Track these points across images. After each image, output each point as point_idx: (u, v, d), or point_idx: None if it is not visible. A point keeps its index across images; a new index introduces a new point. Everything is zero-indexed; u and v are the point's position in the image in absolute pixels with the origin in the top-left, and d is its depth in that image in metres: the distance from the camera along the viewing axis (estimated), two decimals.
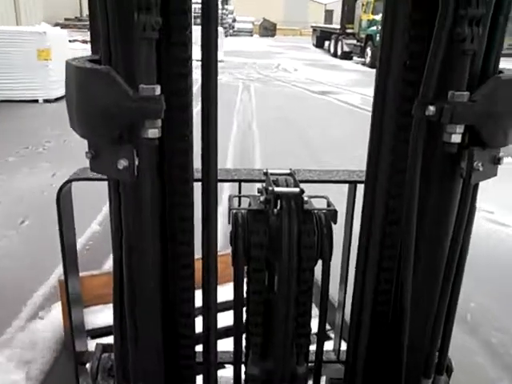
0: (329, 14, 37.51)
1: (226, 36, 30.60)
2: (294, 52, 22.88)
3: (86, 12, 18.45)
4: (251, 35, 37.48)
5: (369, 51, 16.94)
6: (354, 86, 12.02)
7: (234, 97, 9.81)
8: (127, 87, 0.85)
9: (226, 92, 9.43)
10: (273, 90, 11.23)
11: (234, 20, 36.70)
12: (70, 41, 10.83)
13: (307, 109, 9.04)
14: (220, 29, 19.10)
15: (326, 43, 25.00)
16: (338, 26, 21.95)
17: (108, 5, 0.85)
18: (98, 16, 0.88)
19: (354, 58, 19.26)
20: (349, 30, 20.13)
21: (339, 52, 20.60)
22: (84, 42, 10.93)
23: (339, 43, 20.68)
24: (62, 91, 9.02)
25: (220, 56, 17.32)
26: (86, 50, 10.49)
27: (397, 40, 0.99)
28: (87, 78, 0.88)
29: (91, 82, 0.87)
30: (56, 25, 15.10)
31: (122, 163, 0.89)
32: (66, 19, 15.82)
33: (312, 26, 29.00)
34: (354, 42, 19.27)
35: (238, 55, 19.28)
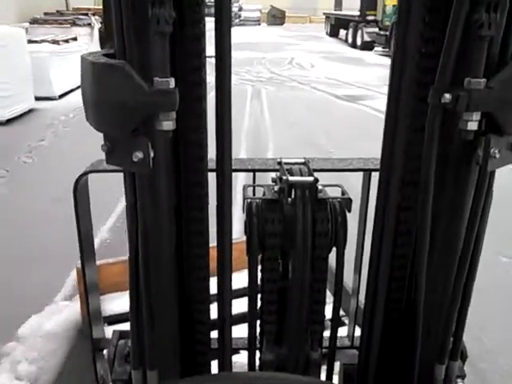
0: (338, 0, 35.60)
1: (232, 26, 28.37)
2: (307, 43, 20.65)
3: (73, 5, 16.41)
4: (259, 24, 35.19)
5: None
6: (386, 85, 9.88)
7: (242, 109, 7.75)
8: (142, 81, 0.85)
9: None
10: (289, 95, 9.12)
11: (241, 9, 34.45)
12: (34, 41, 8.80)
13: (338, 126, 6.94)
14: None
15: (342, 32, 22.90)
16: (356, 13, 19.70)
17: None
18: (111, 10, 0.88)
19: (376, 48, 17.10)
20: (370, 17, 17.89)
21: (359, 42, 18.38)
22: (55, 42, 8.87)
23: (358, 32, 18.47)
24: (17, 111, 7.00)
25: None
26: (55, 55, 8.53)
27: (412, 26, 0.96)
28: (102, 73, 0.88)
29: (106, 77, 0.87)
30: (33, 21, 13.08)
31: (138, 155, 0.89)
32: (45, 13, 13.75)
33: (325, 13, 26.69)
34: (376, 30, 17.07)
35: (245, 48, 17.10)
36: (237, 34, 24.06)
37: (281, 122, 7.08)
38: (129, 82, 0.85)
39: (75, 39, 9.88)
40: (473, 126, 0.89)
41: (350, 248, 1.23)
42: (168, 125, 0.88)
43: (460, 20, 0.84)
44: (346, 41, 20.25)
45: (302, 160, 1.20)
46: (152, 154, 0.91)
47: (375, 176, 1.20)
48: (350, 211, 1.13)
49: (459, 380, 1.23)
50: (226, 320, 1.10)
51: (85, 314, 1.86)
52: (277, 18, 37.21)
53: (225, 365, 1.15)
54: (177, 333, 1.14)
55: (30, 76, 7.53)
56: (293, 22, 38.37)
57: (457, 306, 1.09)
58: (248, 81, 10.72)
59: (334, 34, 24.16)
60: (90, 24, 14.36)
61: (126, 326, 1.37)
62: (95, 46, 14.66)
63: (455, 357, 1.17)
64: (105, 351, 1.62)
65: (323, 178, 1.15)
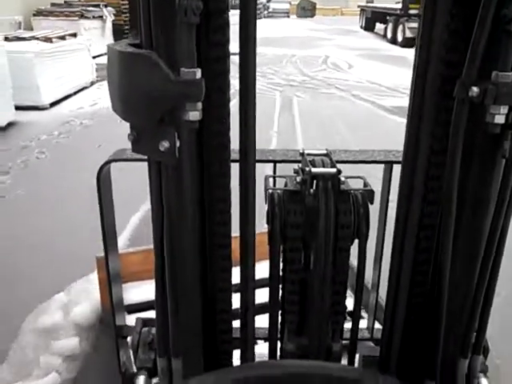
0: None
1: (260, 18, 26.77)
2: (341, 37, 18.85)
3: None
4: (288, 16, 33.44)
5: None
6: None
7: (268, 128, 6.16)
8: (169, 71, 0.85)
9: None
10: (326, 106, 7.47)
11: (269, 0, 32.74)
12: (21, 39, 7.36)
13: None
14: None
15: (378, 26, 21.15)
16: (396, 6, 17.82)
17: None
18: (138, 1, 0.89)
19: None
20: (413, 11, 15.99)
21: (399, 38, 16.51)
22: (47, 39, 7.41)
23: (399, 27, 16.60)
24: None
25: None
26: (44, 55, 6.88)
27: (438, 19, 0.95)
28: (130, 62, 0.89)
29: (134, 66, 0.88)
30: (37, 13, 11.73)
31: (164, 145, 0.89)
32: (52, 4, 12.36)
33: (360, 6, 24.74)
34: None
35: (274, 44, 15.45)
36: (264, 26, 22.48)
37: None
38: (156, 72, 0.85)
39: (74, 35, 8.41)
40: (500, 119, 0.89)
41: (369, 241, 1.16)
42: (194, 115, 0.88)
43: (489, 14, 0.84)
44: (384, 36, 18.38)
45: (325, 151, 1.20)
46: (178, 144, 0.91)
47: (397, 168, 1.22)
48: (372, 203, 1.12)
49: (481, 374, 1.24)
50: (249, 310, 1.11)
51: (104, 303, 1.94)
52: (307, 10, 35.37)
53: (247, 354, 1.16)
54: (200, 321, 1.15)
55: (7, 81, 6.09)
56: (323, 15, 36.62)
57: (480, 300, 1.09)
58: (276, 85, 9.10)
59: (369, 27, 22.35)
60: (101, 16, 12.95)
61: (145, 315, 1.60)
62: (106, 42, 13.31)
63: (478, 351, 1.17)
64: (128, 339, 1.63)
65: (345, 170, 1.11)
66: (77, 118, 6.62)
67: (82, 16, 11.64)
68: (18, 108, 6.46)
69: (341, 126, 6.38)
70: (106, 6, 13.05)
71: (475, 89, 0.88)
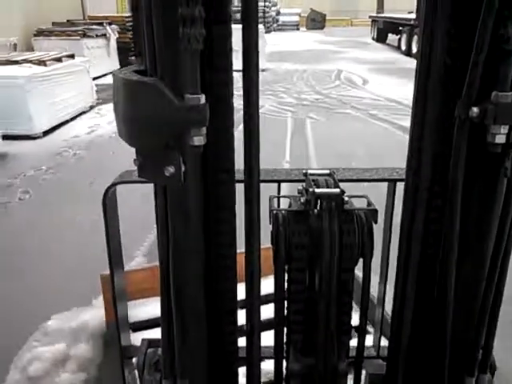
0: (380, 2, 33.32)
1: (269, 32, 26.32)
2: (353, 50, 18.28)
3: (92, 13, 14.63)
4: (297, 29, 32.98)
5: None
6: None
7: (279, 158, 5.54)
8: (173, 97, 0.87)
9: (265, 143, 5.07)
10: (343, 130, 6.85)
11: (278, 13, 32.26)
12: (14, 62, 6.86)
13: None
14: (260, 26, 15.15)
15: (390, 37, 20.55)
16: (410, 16, 17.24)
17: (153, 18, 0.87)
18: (142, 28, 0.91)
19: None
20: None
21: (414, 49, 15.89)
22: (41, 62, 6.89)
23: (414, 38, 15.98)
24: None
25: (261, 63, 13.19)
26: (37, 80, 6.20)
27: (437, 39, 0.96)
28: (135, 90, 0.90)
29: (139, 94, 0.90)
30: (38, 33, 11.29)
31: (169, 170, 0.91)
32: (54, 23, 11.93)
33: (371, 16, 24.21)
34: None
35: (284, 59, 14.93)
36: (274, 40, 21.98)
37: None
38: (160, 99, 0.87)
39: (72, 56, 7.90)
40: (501, 139, 0.90)
41: (375, 256, 1.17)
42: (199, 140, 0.90)
43: (487, 34, 0.85)
44: (398, 48, 17.76)
45: (328, 171, 1.21)
46: (183, 168, 0.93)
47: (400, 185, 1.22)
48: (376, 222, 1.13)
49: None
50: (255, 331, 1.10)
51: (109, 321, 1.92)
52: (317, 21, 34.92)
53: (253, 373, 1.15)
54: (206, 342, 1.15)
55: None
56: (333, 26, 36.15)
57: (486, 317, 1.09)
58: (288, 105, 8.51)
59: (381, 39, 21.74)
60: (105, 35, 12.52)
61: (150, 334, 1.60)
62: (111, 63, 12.88)
63: (485, 369, 1.17)
64: (133, 359, 1.61)
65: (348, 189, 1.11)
66: (71, 149, 6.07)
67: (84, 35, 11.19)
68: (7, 137, 5.94)
69: (362, 156, 5.72)
70: (110, 24, 12.61)
71: (475, 109, 0.89)
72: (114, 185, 1.42)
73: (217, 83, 0.96)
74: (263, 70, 12.26)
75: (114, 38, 12.80)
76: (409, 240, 1.12)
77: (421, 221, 1.09)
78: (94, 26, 12.00)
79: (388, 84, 10.57)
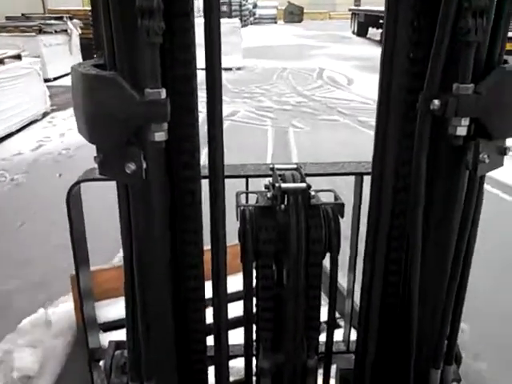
0: None
1: (246, 26, 25.32)
2: (334, 45, 17.44)
3: (51, 6, 13.48)
4: (275, 22, 32.07)
5: None
6: None
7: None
8: (133, 92, 0.85)
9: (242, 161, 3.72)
10: (333, 143, 5.93)
11: (255, 6, 31.31)
12: None
13: None
14: (235, 20, 14.20)
15: (371, 31, 19.84)
16: None
17: (111, 11, 0.85)
18: (101, 21, 0.88)
19: None
20: None
21: None
22: None
23: None
24: None
25: (237, 60, 11.38)
26: None
27: (401, 31, 0.96)
28: (94, 84, 0.88)
29: (98, 88, 0.88)
30: None
31: (130, 167, 0.90)
32: (7, 18, 10.79)
33: (351, 9, 23.40)
34: None
35: (261, 55, 14.00)
36: (251, 34, 21.02)
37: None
38: (120, 94, 0.85)
39: (18, 57, 6.84)
40: (462, 131, 0.90)
41: (344, 248, 1.18)
42: (160, 135, 0.88)
43: (447, 26, 0.85)
44: (380, 42, 16.99)
45: (294, 166, 1.20)
46: (144, 165, 0.91)
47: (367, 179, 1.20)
48: (342, 216, 1.13)
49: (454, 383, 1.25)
50: (222, 329, 1.08)
51: (79, 321, 1.85)
52: (294, 14, 34.05)
53: (221, 372, 1.13)
54: (173, 342, 1.14)
55: None
56: (311, 19, 35.44)
57: (450, 309, 1.10)
58: (267, 110, 7.60)
59: (361, 33, 21.00)
60: (65, 31, 11.43)
61: (119, 335, 1.49)
62: (73, 61, 11.75)
63: (450, 361, 1.18)
64: (101, 363, 1.56)
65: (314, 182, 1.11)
66: (8, 172, 5.04)
67: (40, 31, 10.08)
68: None
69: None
70: (70, 19, 11.51)
71: (436, 102, 0.89)
72: (77, 183, 1.41)
73: (180, 78, 0.94)
74: (239, 69, 11.31)
75: (76, 33, 11.69)
76: (375, 234, 1.12)
77: (387, 214, 1.09)
78: (53, 21, 10.90)
79: (375, 84, 9.71)
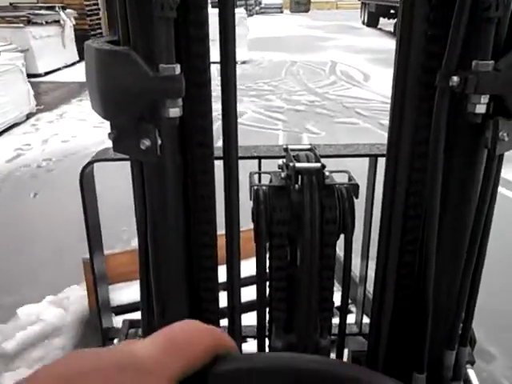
0: None
1: (251, 15, 24.40)
2: (344, 36, 16.54)
3: None
4: (281, 12, 31.09)
5: None
6: None
7: None
8: (147, 67, 0.84)
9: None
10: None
11: None
12: None
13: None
14: (241, 10, 13.33)
15: (382, 21, 18.97)
16: None
17: None
18: None
19: None
20: None
21: None
22: None
23: None
24: None
25: (243, 53, 10.84)
26: None
27: (418, 9, 0.94)
28: (108, 60, 0.87)
29: (112, 64, 0.87)
30: None
31: (145, 143, 0.89)
32: None
33: None
34: None
35: (268, 47, 13.15)
36: (257, 24, 20.12)
37: None
38: (134, 69, 0.84)
39: None
40: (481, 108, 0.88)
41: (356, 235, 1.16)
42: (175, 112, 0.87)
43: (466, 3, 0.84)
44: (394, 34, 16.10)
45: (308, 146, 1.19)
46: (159, 142, 0.90)
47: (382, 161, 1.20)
48: (357, 197, 1.12)
49: (468, 365, 1.25)
50: (236, 308, 1.10)
51: (92, 305, 1.93)
52: (301, 4, 33.07)
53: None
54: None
55: None
56: (317, 9, 34.47)
57: (466, 291, 1.10)
58: (277, 111, 6.80)
59: (372, 23, 20.04)
60: (58, 21, 10.62)
61: (132, 316, 1.60)
62: (67, 55, 10.95)
63: (465, 343, 1.17)
64: (115, 341, 1.61)
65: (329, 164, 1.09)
66: None
67: (29, 22, 9.29)
68: None
69: None
70: (63, 9, 10.70)
71: (455, 78, 0.87)
72: (90, 163, 1.37)
73: (194, 54, 0.94)
74: (244, 62, 10.48)
75: (70, 24, 10.87)
76: (390, 216, 1.10)
77: (402, 196, 1.07)
78: (44, 11, 10.09)
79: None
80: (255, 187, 1.11)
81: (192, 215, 1.05)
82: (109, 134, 0.91)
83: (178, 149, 0.97)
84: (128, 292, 1.97)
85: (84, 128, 6.02)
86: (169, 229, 1.01)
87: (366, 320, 1.57)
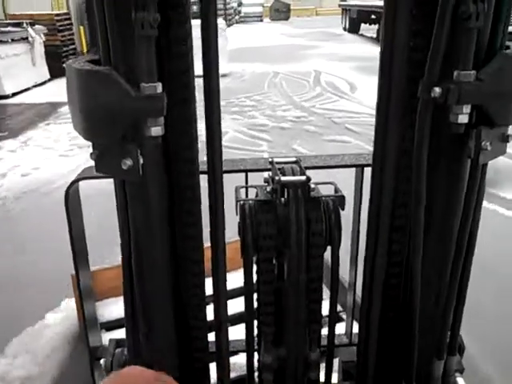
0: None
1: (231, 25, 23.98)
2: (327, 44, 16.16)
3: (14, 11, 12.07)
4: (261, 20, 30.76)
5: None
6: None
7: None
8: (129, 87, 0.84)
9: (231, 212, 1.26)
10: (350, 177, 4.69)
11: (240, 4, 29.97)
12: None
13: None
14: (220, 21, 12.81)
15: (364, 27, 18.83)
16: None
17: (105, 4, 0.84)
18: (95, 15, 0.87)
19: None
20: None
21: None
22: None
23: None
24: None
25: (223, 66, 10.90)
26: None
27: (400, 19, 0.95)
28: (88, 80, 0.87)
29: (93, 84, 0.87)
30: None
31: (127, 163, 0.89)
32: None
33: (341, 5, 22.12)
34: None
35: (250, 58, 12.68)
36: (237, 34, 19.61)
37: None
38: (115, 89, 0.84)
39: None
40: (463, 119, 0.88)
41: (345, 241, 1.16)
42: (156, 130, 0.86)
43: (447, 12, 0.83)
44: (377, 40, 15.73)
45: (294, 159, 1.18)
46: (141, 161, 0.89)
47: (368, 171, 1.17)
48: (343, 209, 1.11)
49: (457, 374, 1.23)
50: (223, 324, 1.07)
51: (81, 321, 1.83)
52: (281, 12, 32.81)
53: (223, 368, 1.11)
54: (174, 339, 1.12)
55: None
56: (297, 16, 34.40)
57: (453, 301, 1.09)
58: (261, 130, 6.30)
59: (353, 29, 19.89)
60: (26, 38, 10.04)
61: (120, 334, 1.45)
62: (37, 72, 10.32)
63: (453, 352, 1.17)
64: (101, 361, 1.55)
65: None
66: None
67: None
68: None
69: None
70: (32, 25, 10.11)
71: (437, 89, 0.87)
72: (75, 182, 1.38)
73: (176, 71, 0.93)
74: (225, 75, 9.96)
75: (39, 41, 10.29)
76: (376, 225, 1.09)
77: (388, 206, 1.06)
78: (10, 28, 9.50)
79: None
80: (241, 202, 1.11)
81: (178, 232, 1.04)
82: (91, 154, 0.91)
83: (161, 167, 0.97)
84: (118, 307, 1.90)
85: (49, 157, 5.47)
86: (153, 246, 1.00)
87: (356, 329, 1.58)
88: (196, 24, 0.90)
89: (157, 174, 0.96)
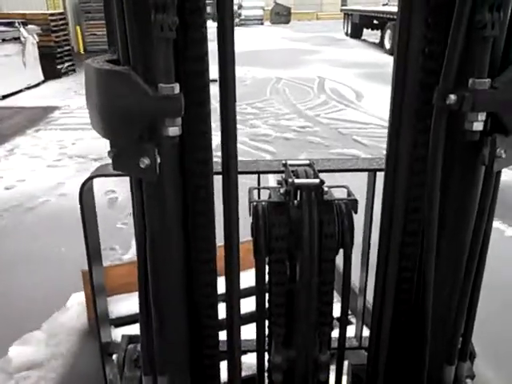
0: None
1: None
2: (329, 49, 15.81)
3: (7, 9, 11.68)
4: (261, 23, 30.44)
5: None
6: None
7: None
8: (147, 87, 0.85)
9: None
10: (357, 190, 4.30)
11: (240, 7, 29.64)
12: None
13: None
14: None
15: (366, 32, 18.45)
16: (393, 9, 14.90)
17: (125, 6, 0.86)
18: (114, 16, 0.88)
19: None
20: None
21: None
22: None
23: None
24: None
25: None
26: None
27: (415, 27, 0.96)
28: (107, 80, 0.88)
29: (111, 83, 0.88)
30: None
31: (144, 162, 0.90)
32: None
33: (344, 10, 21.80)
34: None
35: (251, 62, 12.31)
36: (237, 37, 18.88)
37: None
38: (133, 89, 0.85)
39: None
40: (478, 126, 0.88)
41: (356, 246, 1.16)
42: (174, 130, 0.87)
43: (463, 21, 0.84)
44: (381, 45, 15.37)
45: (307, 161, 1.19)
46: (158, 160, 0.90)
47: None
48: (356, 212, 1.11)
49: (468, 380, 1.23)
50: (235, 323, 1.08)
51: (91, 317, 1.89)
52: (282, 15, 32.50)
53: (234, 367, 1.13)
54: (186, 337, 1.14)
55: None
56: (298, 20, 34.08)
57: (465, 306, 1.09)
58: (264, 140, 5.91)
59: (356, 34, 19.50)
60: (17, 38, 9.64)
61: (132, 328, 1.56)
62: (30, 74, 9.92)
63: (464, 357, 1.17)
64: (114, 356, 1.59)
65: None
66: None
67: None
68: None
69: None
70: (24, 24, 9.71)
71: (452, 96, 0.87)
72: (89, 179, 1.38)
73: (192, 73, 0.95)
74: None
75: (32, 42, 9.89)
76: (389, 230, 1.10)
77: (400, 211, 1.08)
78: (1, 28, 9.09)
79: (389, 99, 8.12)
80: (254, 203, 1.12)
81: (191, 231, 1.06)
82: (108, 152, 0.92)
83: (177, 166, 0.99)
84: (129, 303, 1.91)
85: (36, 168, 5.06)
86: (168, 244, 1.01)
87: (366, 333, 1.55)
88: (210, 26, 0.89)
89: (173, 173, 0.97)
